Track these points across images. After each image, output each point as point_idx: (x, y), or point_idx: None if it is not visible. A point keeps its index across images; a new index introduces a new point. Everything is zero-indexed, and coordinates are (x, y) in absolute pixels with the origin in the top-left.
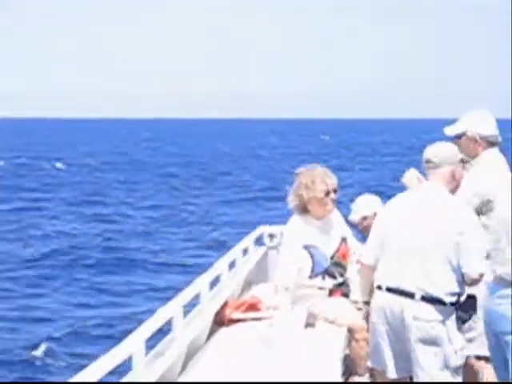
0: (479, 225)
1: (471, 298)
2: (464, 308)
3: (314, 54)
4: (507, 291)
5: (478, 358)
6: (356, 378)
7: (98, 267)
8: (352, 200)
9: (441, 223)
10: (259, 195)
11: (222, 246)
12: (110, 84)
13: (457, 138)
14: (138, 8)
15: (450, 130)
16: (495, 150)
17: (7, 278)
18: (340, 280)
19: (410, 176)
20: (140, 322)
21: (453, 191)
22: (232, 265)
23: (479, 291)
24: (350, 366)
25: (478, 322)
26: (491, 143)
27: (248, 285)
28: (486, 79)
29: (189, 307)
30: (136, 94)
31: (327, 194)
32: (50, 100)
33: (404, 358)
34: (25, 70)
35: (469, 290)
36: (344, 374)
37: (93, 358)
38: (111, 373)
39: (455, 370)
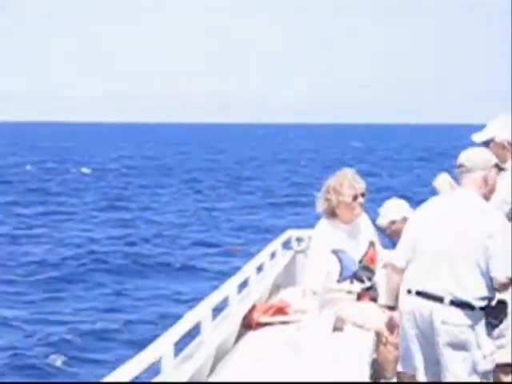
0: (509, 230)
1: (501, 303)
2: (494, 313)
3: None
4: None
5: (508, 365)
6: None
7: (120, 272)
8: (380, 205)
9: (471, 228)
10: (284, 200)
11: (246, 252)
12: (113, 84)
13: (485, 145)
14: (138, 8)
15: (477, 137)
16: None
17: (30, 281)
18: (368, 284)
19: (442, 180)
20: (163, 326)
21: (486, 196)
22: (260, 268)
23: (510, 297)
24: (377, 370)
25: (508, 329)
26: None
27: (276, 288)
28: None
29: (217, 310)
30: (137, 94)
31: (355, 198)
32: (51, 101)
33: (433, 361)
34: (25, 70)
35: (500, 296)
36: (372, 377)
37: (113, 363)
38: (140, 375)
39: (484, 375)
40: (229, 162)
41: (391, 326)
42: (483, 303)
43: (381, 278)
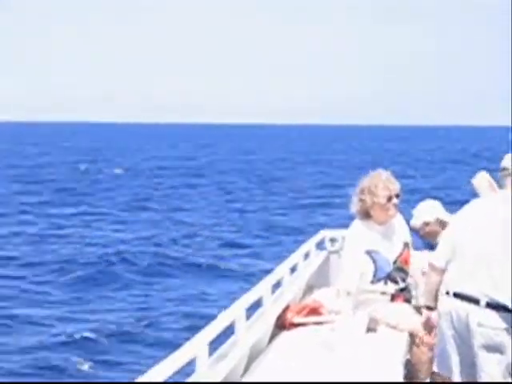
0: None
1: None
2: None
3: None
4: None
5: None
6: None
7: (149, 272)
8: (413, 206)
9: (510, 230)
10: (315, 202)
11: (278, 252)
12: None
13: None
14: (138, 8)
15: None
16: None
17: (59, 281)
18: (402, 285)
19: (480, 178)
20: (191, 327)
21: None
22: (294, 269)
23: None
24: (411, 371)
25: None
26: None
27: (309, 289)
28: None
29: (251, 310)
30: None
31: (389, 199)
32: (54, 101)
33: (469, 363)
34: (25, 70)
35: None
36: (405, 378)
37: (140, 364)
38: (175, 375)
39: None
40: (260, 163)
41: (429, 327)
42: None
43: (416, 280)
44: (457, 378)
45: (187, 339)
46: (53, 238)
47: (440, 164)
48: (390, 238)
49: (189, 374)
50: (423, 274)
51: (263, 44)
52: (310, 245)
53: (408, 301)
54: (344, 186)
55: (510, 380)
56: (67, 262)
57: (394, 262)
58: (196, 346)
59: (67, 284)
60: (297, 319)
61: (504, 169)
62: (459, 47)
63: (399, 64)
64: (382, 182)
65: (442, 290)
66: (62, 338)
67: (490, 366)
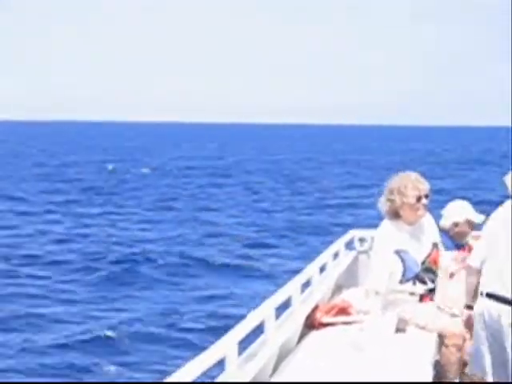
0: None
1: None
2: None
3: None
4: None
5: None
6: None
7: (174, 272)
8: (441, 207)
9: None
10: (342, 202)
11: (304, 252)
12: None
13: None
14: (138, 8)
15: None
16: None
17: (84, 279)
18: (431, 286)
19: None
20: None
21: None
22: (323, 268)
23: None
24: (440, 372)
25: None
26: None
27: (338, 289)
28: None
29: (280, 310)
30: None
31: (419, 199)
32: (54, 101)
33: (502, 363)
34: (25, 69)
35: None
36: (434, 379)
37: (165, 364)
38: (204, 374)
39: None
40: (286, 163)
41: (469, 325)
42: None
43: (444, 280)
44: (490, 378)
45: (212, 339)
46: (79, 236)
47: (468, 164)
48: (419, 238)
49: (218, 374)
50: (451, 274)
51: (263, 44)
52: (339, 244)
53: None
54: (371, 187)
55: None
56: (93, 261)
57: (423, 263)
58: (225, 346)
59: (93, 283)
60: (326, 319)
61: None
62: (461, 47)
63: (415, 64)
64: (411, 183)
65: (479, 291)
66: (87, 337)
67: None
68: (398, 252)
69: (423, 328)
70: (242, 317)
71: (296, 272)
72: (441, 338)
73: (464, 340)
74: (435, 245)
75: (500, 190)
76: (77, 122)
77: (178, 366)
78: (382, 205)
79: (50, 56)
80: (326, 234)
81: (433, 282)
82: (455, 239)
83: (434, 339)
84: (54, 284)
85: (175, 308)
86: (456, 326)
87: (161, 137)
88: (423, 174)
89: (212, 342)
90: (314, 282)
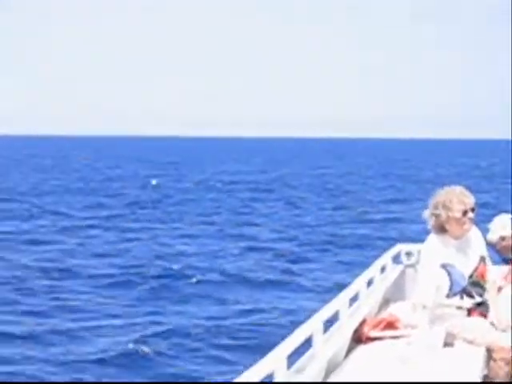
0: None
1: None
2: None
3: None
4: None
5: None
6: None
7: (217, 285)
8: (488, 221)
9: None
10: (386, 216)
11: (347, 267)
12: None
13: None
14: (139, 8)
15: None
16: None
17: (128, 293)
18: (478, 300)
19: None
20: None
21: None
22: (370, 282)
23: None
24: None
25: None
26: None
27: (385, 302)
28: None
29: (328, 323)
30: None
31: (465, 213)
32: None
33: None
34: (25, 70)
35: None
36: None
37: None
38: None
39: None
40: (329, 177)
41: None
42: None
43: (492, 294)
44: None
45: (253, 355)
46: (121, 251)
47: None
48: (465, 252)
49: None
50: (499, 289)
51: (293, 56)
52: (386, 258)
53: (485, 316)
54: (416, 201)
55: None
56: (134, 275)
57: (470, 277)
58: (274, 360)
59: (134, 297)
60: (373, 333)
61: None
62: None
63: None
64: (456, 197)
65: None
66: (127, 351)
67: None
68: (444, 266)
69: (471, 342)
70: (285, 332)
71: (339, 286)
72: (489, 352)
73: (499, 356)
74: (482, 258)
75: None
76: (123, 137)
77: (221, 382)
78: (428, 219)
79: (50, 56)
80: (370, 248)
81: (480, 296)
82: (502, 253)
83: (482, 353)
84: (94, 298)
85: (217, 322)
86: (504, 340)
87: (206, 151)
88: (469, 188)
89: (256, 357)
90: (362, 296)
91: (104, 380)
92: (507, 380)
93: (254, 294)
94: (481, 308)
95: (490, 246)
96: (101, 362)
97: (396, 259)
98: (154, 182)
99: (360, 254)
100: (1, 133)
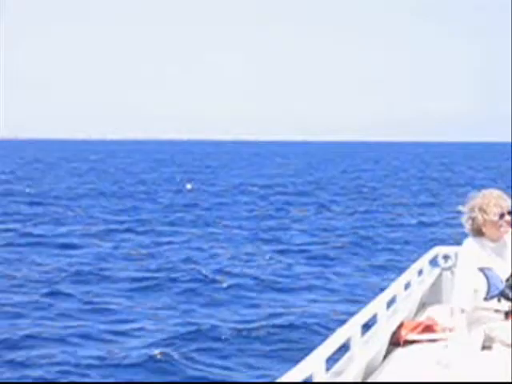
0: None
1: None
2: None
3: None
4: None
5: None
6: None
7: (249, 289)
8: None
9: None
10: (422, 219)
11: (380, 270)
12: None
13: None
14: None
15: None
16: None
17: (160, 296)
18: None
19: None
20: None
21: None
22: (407, 285)
23: None
24: None
25: None
26: None
27: (423, 306)
28: None
29: (366, 327)
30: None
31: (502, 216)
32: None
33: None
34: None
35: None
36: None
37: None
38: None
39: None
40: (361, 180)
41: None
42: None
43: None
44: None
45: (286, 358)
46: (155, 255)
47: None
48: (502, 255)
49: None
50: None
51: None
52: (423, 262)
53: None
54: (450, 204)
55: None
56: (167, 280)
57: (507, 279)
58: (313, 363)
59: (166, 300)
60: (411, 336)
61: None
62: None
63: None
64: (493, 200)
65: None
66: (156, 353)
67: None
68: (481, 269)
69: (509, 345)
70: (317, 336)
71: (371, 290)
72: None
73: None
74: None
75: None
76: (160, 141)
77: (261, 382)
78: (465, 222)
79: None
80: (403, 251)
81: None
82: None
83: None
84: (126, 301)
85: (248, 326)
86: None
87: (243, 155)
88: (505, 191)
89: (287, 362)
90: (399, 299)
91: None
92: None
93: (285, 298)
94: None
95: None
96: (131, 364)
97: (433, 262)
98: (188, 186)
99: (393, 257)
100: (31, 137)
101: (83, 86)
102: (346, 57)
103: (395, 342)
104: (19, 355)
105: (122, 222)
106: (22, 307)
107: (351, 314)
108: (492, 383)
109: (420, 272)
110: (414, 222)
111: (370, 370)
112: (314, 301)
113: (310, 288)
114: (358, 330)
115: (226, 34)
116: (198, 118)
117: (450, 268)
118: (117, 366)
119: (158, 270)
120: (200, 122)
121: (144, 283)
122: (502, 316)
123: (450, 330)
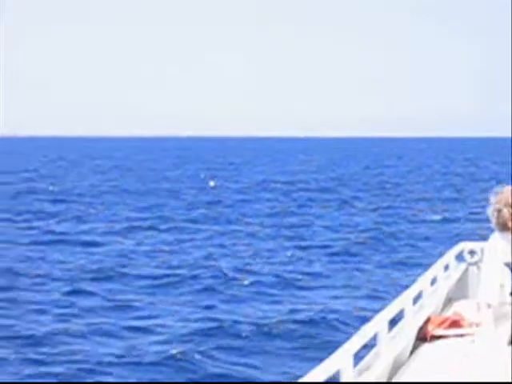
0: None
1: None
2: None
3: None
4: None
5: None
6: None
7: (273, 286)
8: None
9: None
10: (446, 215)
11: (404, 265)
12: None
13: None
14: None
15: None
16: None
17: (183, 292)
18: None
19: None
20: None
21: None
22: (433, 281)
23: None
24: None
25: None
26: None
27: (449, 301)
28: None
29: (393, 322)
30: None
31: None
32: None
33: None
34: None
35: None
36: None
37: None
38: None
39: None
40: (389, 176)
41: None
42: None
43: None
44: None
45: (308, 354)
46: (178, 252)
47: None
48: None
49: None
50: None
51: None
52: (449, 257)
53: None
54: (475, 200)
55: None
56: (191, 277)
57: None
58: (341, 358)
59: (188, 296)
60: (438, 331)
61: None
62: None
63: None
64: None
65: None
66: (178, 349)
67: None
68: (508, 264)
69: None
70: (339, 332)
71: (394, 285)
72: None
73: None
74: None
75: None
76: (183, 138)
77: (290, 382)
78: (491, 217)
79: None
80: (428, 247)
81: None
82: None
83: None
84: (149, 297)
85: (269, 323)
86: None
87: (266, 152)
88: None
89: (310, 357)
90: (425, 294)
91: (159, 379)
92: None
93: (307, 295)
94: None
95: None
96: (152, 363)
97: (459, 257)
98: (212, 183)
99: (416, 253)
100: (53, 134)
101: (83, 85)
102: (346, 57)
103: (422, 337)
104: (42, 352)
105: (144, 219)
106: (45, 305)
107: (373, 311)
108: None
109: (446, 267)
110: (437, 217)
111: (397, 365)
112: (336, 297)
113: (332, 284)
114: (385, 325)
115: (226, 34)
116: (198, 118)
117: (476, 263)
118: (138, 363)
119: (179, 267)
120: (200, 121)
121: (165, 280)
122: None
123: (477, 325)
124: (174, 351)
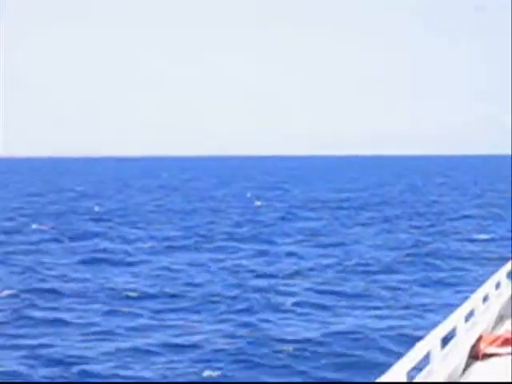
0: None
1: None
2: None
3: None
4: None
5: None
6: None
7: (312, 301)
8: None
9: None
10: (488, 235)
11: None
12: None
13: None
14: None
15: None
16: None
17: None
18: None
19: None
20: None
21: None
22: (485, 298)
23: None
24: None
25: None
26: None
27: (501, 318)
28: None
29: (445, 339)
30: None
31: None
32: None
33: None
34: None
35: None
36: None
37: None
38: None
39: None
40: (434, 194)
41: None
42: None
43: None
44: None
45: (351, 372)
46: (221, 269)
47: None
48: None
49: None
50: None
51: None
52: (500, 274)
53: None
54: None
55: None
56: (229, 298)
57: None
58: (394, 376)
59: (225, 315)
60: (490, 349)
61: None
62: None
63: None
64: None
65: None
66: (214, 370)
67: None
68: None
69: None
70: (383, 350)
71: (436, 303)
72: None
73: None
74: None
75: None
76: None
77: None
78: None
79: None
80: (474, 265)
81: None
82: None
83: None
84: (191, 316)
85: (310, 341)
86: None
87: (315, 170)
88: None
89: (353, 376)
90: (477, 312)
91: None
92: None
93: (348, 312)
94: None
95: None
96: (194, 380)
97: (511, 275)
98: (258, 202)
99: (460, 272)
100: (96, 155)
101: (83, 85)
102: (346, 57)
103: (474, 355)
104: (73, 370)
105: (188, 238)
106: (87, 325)
107: (418, 329)
108: None
109: (497, 285)
110: (484, 236)
111: (450, 383)
112: (379, 317)
113: (374, 302)
114: (438, 343)
115: (225, 34)
116: (198, 118)
117: None
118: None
119: (220, 286)
120: (200, 120)
121: (207, 299)
122: None
123: None
124: (213, 370)
